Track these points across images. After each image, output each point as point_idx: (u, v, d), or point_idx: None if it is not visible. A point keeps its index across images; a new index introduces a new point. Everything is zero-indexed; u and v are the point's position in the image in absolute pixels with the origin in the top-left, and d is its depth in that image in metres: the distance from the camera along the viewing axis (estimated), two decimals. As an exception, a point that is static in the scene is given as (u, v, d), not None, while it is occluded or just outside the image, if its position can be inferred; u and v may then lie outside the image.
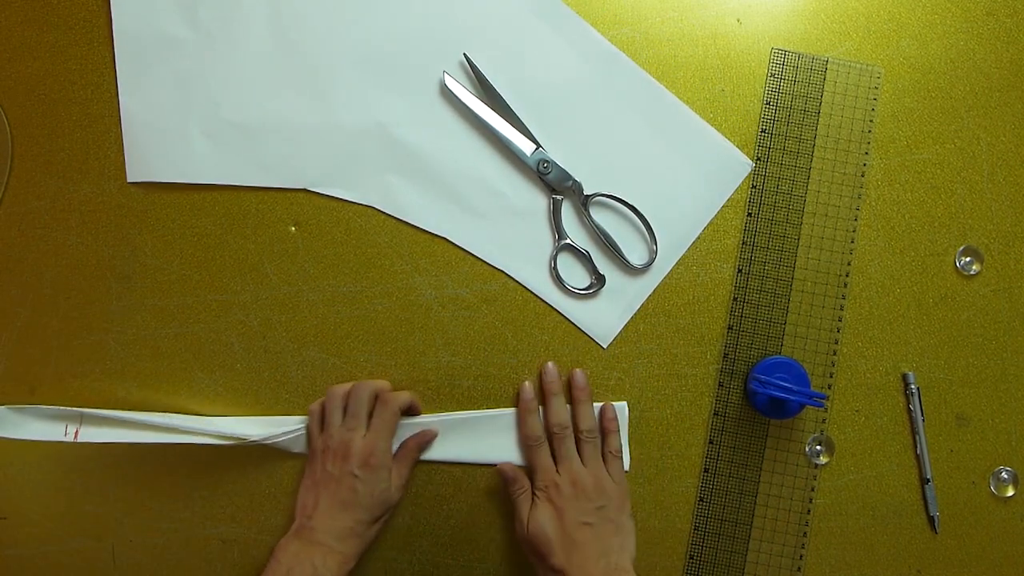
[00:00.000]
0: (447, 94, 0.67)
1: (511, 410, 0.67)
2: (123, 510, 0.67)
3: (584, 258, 0.67)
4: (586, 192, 0.67)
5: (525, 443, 0.65)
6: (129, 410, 0.67)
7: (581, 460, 0.63)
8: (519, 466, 0.66)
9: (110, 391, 0.67)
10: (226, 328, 0.67)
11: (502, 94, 0.67)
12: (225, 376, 0.67)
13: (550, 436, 0.65)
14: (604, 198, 0.67)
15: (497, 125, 0.66)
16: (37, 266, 0.68)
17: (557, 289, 0.67)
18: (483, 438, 0.67)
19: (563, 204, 0.67)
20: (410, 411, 0.66)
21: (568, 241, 0.67)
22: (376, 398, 0.64)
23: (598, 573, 0.58)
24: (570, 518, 0.60)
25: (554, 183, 0.67)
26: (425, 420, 0.66)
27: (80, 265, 0.68)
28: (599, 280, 0.67)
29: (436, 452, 0.67)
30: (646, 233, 0.67)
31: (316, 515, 0.61)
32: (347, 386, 0.65)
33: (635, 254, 0.68)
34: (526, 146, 0.66)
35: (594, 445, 0.64)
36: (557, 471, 0.63)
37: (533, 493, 0.63)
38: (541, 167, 0.66)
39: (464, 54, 0.67)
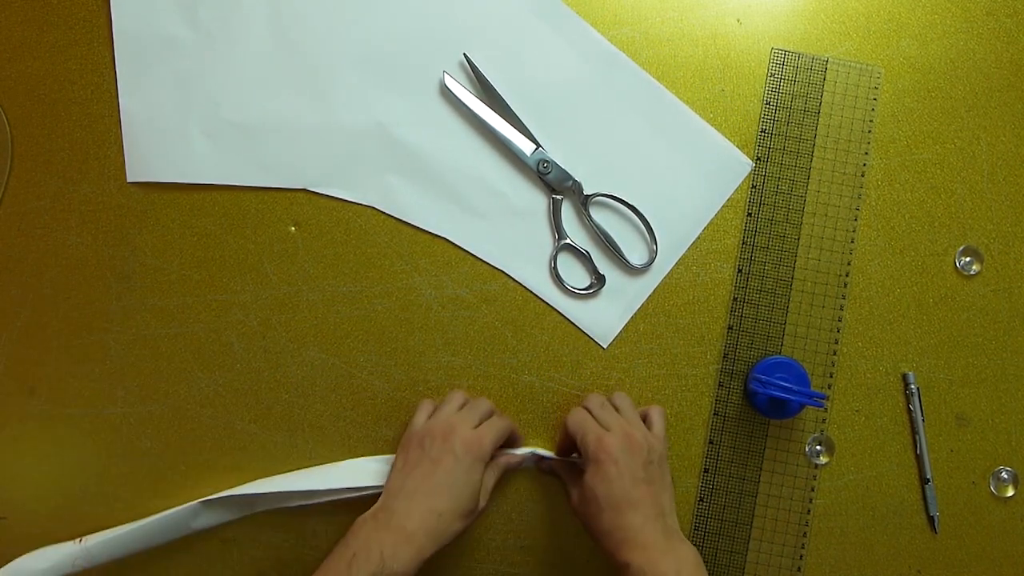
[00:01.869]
0: (447, 94, 0.67)
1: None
2: (123, 510, 0.67)
3: (584, 258, 0.67)
4: (586, 192, 0.67)
5: (572, 426, 0.62)
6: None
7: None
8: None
9: (110, 391, 0.67)
10: (226, 328, 0.67)
11: (502, 94, 0.67)
12: (225, 376, 0.67)
13: (592, 415, 0.63)
14: (604, 198, 0.67)
15: (497, 125, 0.66)
16: (37, 266, 0.68)
17: (557, 289, 0.67)
18: None
19: (563, 204, 0.67)
20: (510, 443, 0.65)
21: (568, 241, 0.67)
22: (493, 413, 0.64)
23: (658, 535, 0.56)
24: (627, 475, 0.57)
25: (554, 183, 0.67)
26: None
27: (80, 265, 0.68)
28: (599, 280, 0.67)
29: None
30: (646, 233, 0.67)
31: (401, 495, 0.57)
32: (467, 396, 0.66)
33: (635, 254, 0.68)
34: (526, 146, 0.66)
35: (632, 408, 0.63)
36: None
37: (583, 471, 0.60)
38: (541, 167, 0.66)
39: (464, 54, 0.67)
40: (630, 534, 0.56)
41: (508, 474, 0.66)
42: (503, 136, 0.66)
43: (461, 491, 0.58)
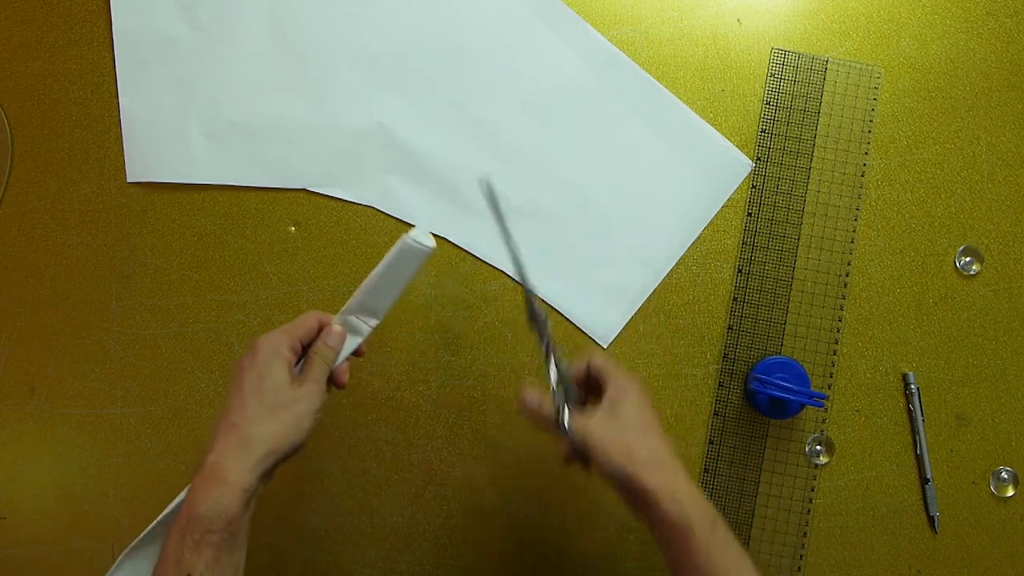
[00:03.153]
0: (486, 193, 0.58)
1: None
2: (123, 510, 0.67)
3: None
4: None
5: (600, 362, 0.60)
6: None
7: None
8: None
9: (110, 391, 0.67)
10: (226, 328, 0.67)
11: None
12: (225, 376, 0.67)
13: None
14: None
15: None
16: (37, 266, 0.68)
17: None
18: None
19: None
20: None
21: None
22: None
23: (673, 456, 0.56)
24: (649, 403, 0.57)
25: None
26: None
27: (80, 265, 0.68)
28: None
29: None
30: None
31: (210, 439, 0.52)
32: None
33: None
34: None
35: None
36: None
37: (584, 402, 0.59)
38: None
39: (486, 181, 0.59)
40: (655, 454, 0.55)
41: (356, 356, 0.57)
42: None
43: (252, 392, 0.52)
